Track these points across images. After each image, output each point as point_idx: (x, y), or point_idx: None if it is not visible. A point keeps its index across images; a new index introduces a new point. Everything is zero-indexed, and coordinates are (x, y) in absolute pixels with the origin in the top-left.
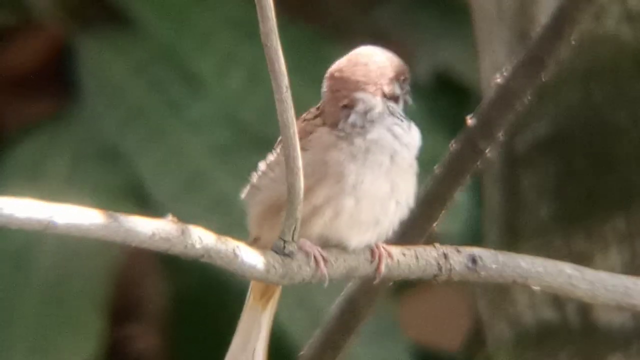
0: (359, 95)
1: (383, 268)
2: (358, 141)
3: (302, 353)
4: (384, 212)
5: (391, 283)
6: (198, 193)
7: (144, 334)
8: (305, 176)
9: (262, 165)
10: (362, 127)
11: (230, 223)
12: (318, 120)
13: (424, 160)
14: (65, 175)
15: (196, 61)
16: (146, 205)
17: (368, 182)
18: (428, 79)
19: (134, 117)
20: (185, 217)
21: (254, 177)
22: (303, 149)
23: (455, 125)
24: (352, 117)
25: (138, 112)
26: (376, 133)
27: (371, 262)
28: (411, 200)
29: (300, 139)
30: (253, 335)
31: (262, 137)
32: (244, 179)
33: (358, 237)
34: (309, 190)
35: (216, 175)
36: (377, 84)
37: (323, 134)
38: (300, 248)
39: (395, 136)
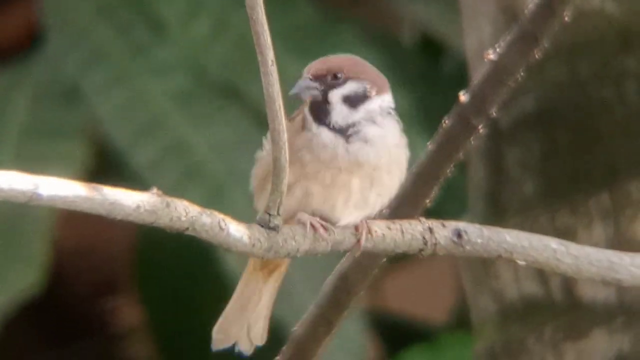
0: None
1: (363, 241)
2: (325, 135)
3: (294, 329)
4: (364, 200)
5: (384, 259)
6: (157, 137)
7: (125, 306)
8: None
9: (264, 139)
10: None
11: (186, 169)
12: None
13: (403, 115)
14: (26, 114)
15: (162, 6)
16: (105, 148)
17: (329, 176)
18: (411, 40)
19: (96, 59)
20: (142, 161)
21: (258, 151)
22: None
23: (436, 85)
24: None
25: (101, 54)
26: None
27: (355, 236)
28: (393, 191)
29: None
30: (251, 305)
31: (224, 85)
32: (204, 125)
33: (341, 216)
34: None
35: (176, 120)
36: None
37: (299, 120)
38: (298, 221)
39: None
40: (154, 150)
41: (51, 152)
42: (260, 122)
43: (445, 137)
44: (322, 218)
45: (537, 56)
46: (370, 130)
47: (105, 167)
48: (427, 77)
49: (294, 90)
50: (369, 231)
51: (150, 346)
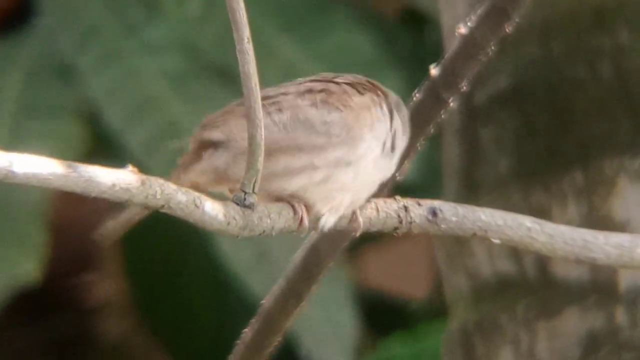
0: None
1: (361, 220)
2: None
3: (263, 302)
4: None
5: (354, 234)
6: (151, 117)
7: (102, 281)
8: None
9: None
10: None
11: (179, 149)
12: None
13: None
14: (19, 91)
15: None
16: (98, 126)
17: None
18: (397, 16)
19: (89, 37)
20: (136, 141)
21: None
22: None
23: (423, 60)
24: None
25: (94, 32)
26: None
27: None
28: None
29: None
30: None
31: (218, 65)
32: (196, 105)
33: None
34: (310, 147)
35: (168, 100)
36: None
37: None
38: (280, 199)
39: None
40: (148, 130)
41: (45, 130)
42: None
43: (415, 111)
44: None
45: (507, 30)
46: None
47: (99, 147)
48: (414, 53)
49: None
50: (357, 211)
51: (131, 320)
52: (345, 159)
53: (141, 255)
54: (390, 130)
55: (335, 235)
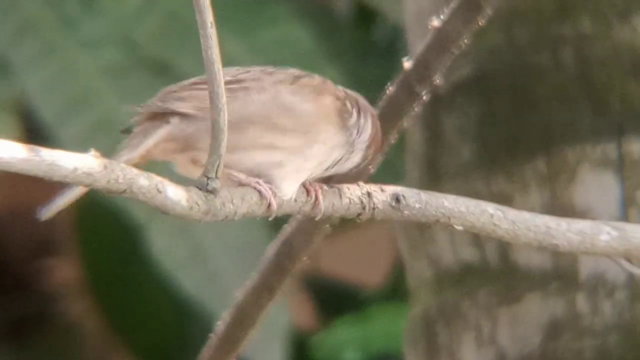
0: None
1: (321, 202)
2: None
3: (237, 296)
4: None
5: (328, 225)
6: (85, 111)
7: (60, 266)
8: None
9: None
10: None
11: (114, 143)
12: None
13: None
14: None
15: None
16: (32, 122)
17: (315, 163)
18: (344, 10)
19: (25, 30)
20: (71, 136)
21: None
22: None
23: (368, 55)
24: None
25: (30, 25)
26: None
27: (307, 200)
28: None
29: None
30: None
31: (155, 59)
32: (133, 100)
33: (286, 187)
34: (282, 129)
35: (105, 95)
36: None
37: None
38: (246, 182)
39: None
40: (82, 124)
41: None
42: None
43: (388, 105)
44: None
45: (480, 23)
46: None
47: (33, 141)
48: (359, 47)
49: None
50: (321, 188)
51: (87, 304)
52: (302, 149)
53: (95, 239)
54: (356, 128)
55: (308, 228)
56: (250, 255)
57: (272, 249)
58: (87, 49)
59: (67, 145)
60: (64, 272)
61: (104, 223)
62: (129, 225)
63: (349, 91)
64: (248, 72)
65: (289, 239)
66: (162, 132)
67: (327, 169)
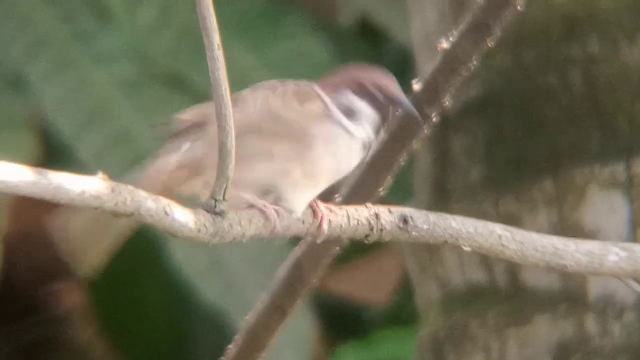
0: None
1: (325, 227)
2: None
3: (247, 318)
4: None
5: (338, 247)
6: (102, 127)
7: (70, 291)
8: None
9: None
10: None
11: (131, 159)
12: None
13: None
14: None
15: None
16: (50, 137)
17: (322, 171)
18: (351, 24)
19: (40, 46)
20: (88, 151)
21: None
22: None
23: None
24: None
25: (45, 41)
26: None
27: (313, 222)
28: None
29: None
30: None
31: (170, 73)
32: (149, 114)
33: (297, 200)
34: (275, 136)
35: (121, 109)
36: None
37: (318, 107)
38: (253, 204)
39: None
40: (99, 139)
41: None
42: None
43: (398, 126)
44: (275, 198)
45: (489, 45)
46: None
47: (51, 157)
48: (368, 63)
49: (411, 108)
50: (331, 211)
51: (93, 329)
52: (301, 153)
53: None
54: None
55: (318, 250)
56: (269, 265)
57: (282, 271)
58: (101, 63)
59: (84, 159)
60: (73, 296)
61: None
62: (136, 243)
63: (336, 79)
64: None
65: (299, 261)
66: (172, 159)
67: (358, 163)
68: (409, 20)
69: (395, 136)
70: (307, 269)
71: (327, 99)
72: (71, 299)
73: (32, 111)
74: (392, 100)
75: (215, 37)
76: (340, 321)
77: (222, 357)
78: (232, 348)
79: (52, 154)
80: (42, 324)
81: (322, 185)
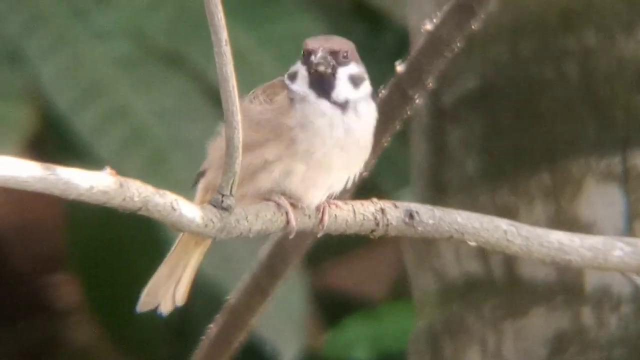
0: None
1: (326, 222)
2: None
3: (229, 298)
4: (338, 181)
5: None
6: (98, 102)
7: (65, 282)
8: (261, 128)
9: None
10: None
11: (127, 135)
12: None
13: None
14: None
15: None
16: (46, 110)
17: (320, 153)
18: (348, 5)
19: (38, 21)
20: (84, 126)
21: (220, 125)
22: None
23: (374, 55)
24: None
25: (42, 17)
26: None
27: (316, 215)
28: (357, 172)
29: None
30: (180, 266)
31: (166, 51)
32: (146, 91)
33: (312, 196)
34: (263, 143)
35: (117, 86)
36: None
37: (283, 98)
38: (270, 200)
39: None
40: (95, 115)
41: None
42: (203, 89)
43: (381, 108)
44: (291, 198)
45: (473, 27)
46: (364, 108)
47: (48, 131)
48: (365, 46)
49: (317, 60)
50: (337, 206)
51: (90, 323)
52: (292, 149)
53: (96, 258)
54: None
55: (299, 232)
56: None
57: (264, 252)
58: (99, 40)
59: (80, 135)
60: (71, 289)
61: (98, 235)
62: (134, 236)
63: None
64: None
65: (281, 243)
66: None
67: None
68: (407, 6)
69: (379, 117)
70: (289, 250)
71: (288, 82)
72: (68, 291)
73: (30, 85)
74: (306, 59)
75: (223, 34)
76: (337, 313)
77: (202, 337)
78: (212, 328)
79: (49, 128)
80: (40, 321)
81: (337, 170)
